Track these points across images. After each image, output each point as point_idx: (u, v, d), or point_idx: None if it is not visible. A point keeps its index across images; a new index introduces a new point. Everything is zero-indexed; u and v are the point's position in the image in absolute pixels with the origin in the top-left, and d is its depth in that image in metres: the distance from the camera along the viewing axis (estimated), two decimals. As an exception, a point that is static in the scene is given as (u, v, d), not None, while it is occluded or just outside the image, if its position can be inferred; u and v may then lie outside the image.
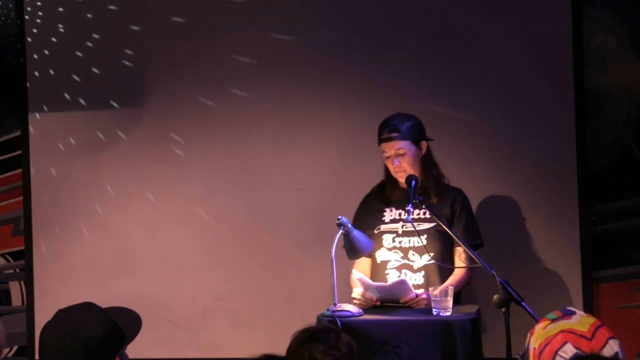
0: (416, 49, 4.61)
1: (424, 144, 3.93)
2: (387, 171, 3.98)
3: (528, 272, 4.47)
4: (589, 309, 4.38)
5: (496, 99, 4.55)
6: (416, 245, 3.85)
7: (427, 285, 3.79)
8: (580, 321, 2.06)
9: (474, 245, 3.86)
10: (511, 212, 4.54)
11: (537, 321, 2.15)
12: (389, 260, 3.89)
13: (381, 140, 3.90)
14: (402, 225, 3.88)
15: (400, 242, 3.88)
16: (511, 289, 3.33)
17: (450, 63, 4.58)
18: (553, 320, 2.08)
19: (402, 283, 3.68)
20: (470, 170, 4.54)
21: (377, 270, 3.91)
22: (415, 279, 3.83)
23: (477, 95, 4.56)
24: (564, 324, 2.05)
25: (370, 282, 3.73)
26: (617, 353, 2.01)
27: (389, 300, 3.72)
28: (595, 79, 4.49)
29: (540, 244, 4.52)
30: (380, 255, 3.91)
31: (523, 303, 3.32)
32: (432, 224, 3.84)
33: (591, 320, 2.07)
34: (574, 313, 2.09)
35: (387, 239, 3.91)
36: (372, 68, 4.64)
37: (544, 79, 4.51)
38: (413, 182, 3.76)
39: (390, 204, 3.96)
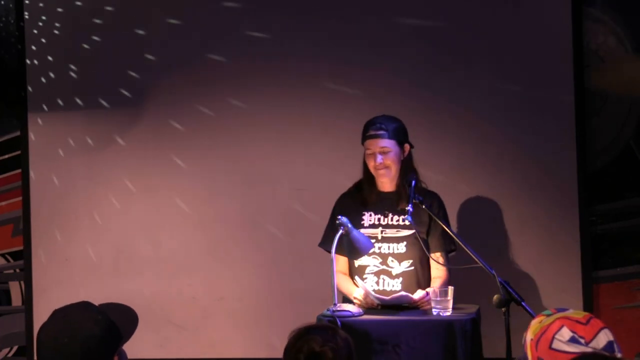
0: (416, 49, 4.61)
1: (406, 146, 3.90)
2: (365, 171, 3.94)
3: (528, 272, 4.47)
4: (589, 309, 4.38)
5: (496, 99, 4.55)
6: (395, 251, 3.84)
7: (405, 291, 3.76)
8: (575, 312, 2.12)
9: (448, 251, 3.87)
10: (511, 212, 4.54)
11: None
12: (368, 265, 3.86)
13: (367, 137, 3.86)
14: (382, 231, 3.87)
15: (379, 248, 3.85)
16: (511, 289, 3.33)
17: (450, 63, 4.58)
18: (548, 316, 2.12)
19: (403, 297, 3.66)
20: (470, 169, 4.54)
21: (355, 274, 3.89)
22: (393, 285, 3.82)
23: (477, 95, 4.56)
24: (559, 314, 2.10)
25: (374, 294, 3.71)
26: (611, 342, 2.04)
27: (389, 306, 3.72)
28: (595, 79, 4.49)
29: (540, 243, 4.52)
30: (359, 259, 3.89)
31: (523, 303, 3.32)
32: (412, 231, 3.83)
33: (584, 312, 2.13)
34: (568, 309, 2.13)
35: None
36: (371, 67, 4.64)
37: (544, 78, 4.51)
38: (413, 182, 3.75)
39: (366, 205, 3.92)
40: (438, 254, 3.86)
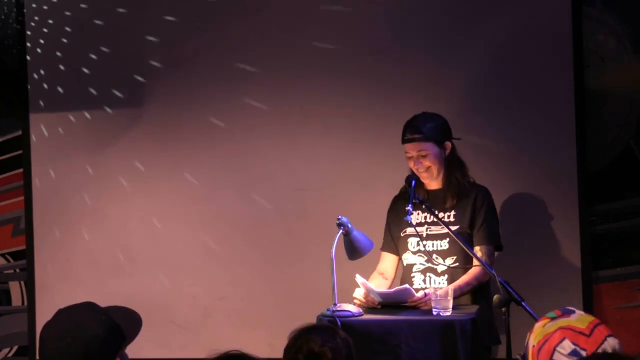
0: (416, 48, 4.61)
1: (447, 144, 3.90)
2: (412, 170, 3.95)
3: (528, 272, 4.46)
4: (589, 309, 4.38)
5: (496, 99, 4.55)
6: (439, 248, 3.85)
7: None
8: (579, 319, 2.08)
9: (492, 245, 3.86)
10: (511, 212, 4.54)
11: (537, 321, 2.16)
12: (414, 264, 3.89)
13: (404, 141, 3.88)
14: (427, 229, 3.87)
15: (424, 246, 3.86)
16: (511, 289, 3.33)
17: (450, 63, 4.58)
18: (552, 319, 2.09)
19: (406, 290, 3.67)
20: (470, 169, 4.52)
21: (404, 273, 3.93)
22: (439, 282, 3.83)
23: (477, 95, 4.56)
24: (562, 321, 2.07)
25: (373, 288, 3.72)
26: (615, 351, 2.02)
27: (391, 303, 3.72)
28: (595, 79, 4.49)
29: (540, 244, 4.52)
30: (406, 258, 3.92)
31: (523, 303, 3.32)
32: (455, 227, 3.82)
33: (590, 318, 2.09)
34: (573, 312, 2.10)
35: (412, 242, 3.91)
36: (372, 67, 4.64)
37: (544, 78, 4.51)
38: (413, 182, 3.76)
39: (415, 207, 3.90)
40: (477, 248, 3.83)
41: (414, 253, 3.89)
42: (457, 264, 3.81)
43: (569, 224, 4.49)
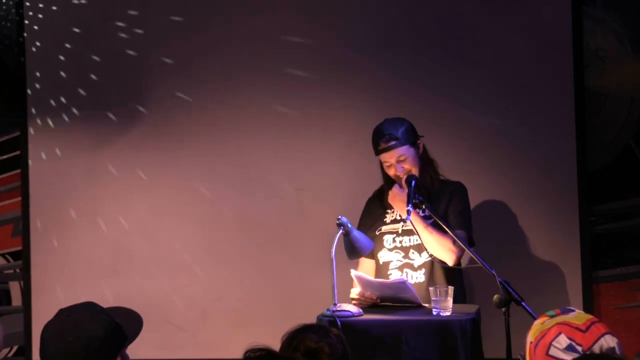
0: (417, 49, 4.61)
1: (420, 143, 3.92)
2: (385, 177, 3.97)
3: (528, 272, 4.46)
4: (589, 309, 4.38)
5: (496, 99, 4.56)
6: (415, 243, 3.86)
7: (428, 282, 3.79)
8: (577, 316, 2.09)
9: (467, 234, 3.86)
10: (511, 212, 4.54)
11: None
12: (391, 261, 3.90)
13: (380, 151, 3.88)
14: (402, 225, 3.89)
15: (400, 242, 3.89)
16: (511, 289, 3.33)
17: (450, 63, 4.58)
18: (551, 317, 2.10)
19: (403, 284, 3.67)
20: (470, 169, 4.54)
21: (380, 271, 3.92)
22: (416, 277, 3.83)
23: (477, 95, 4.56)
24: (560, 318, 2.08)
25: (371, 278, 3.73)
26: (613, 348, 2.02)
27: (389, 299, 3.72)
28: (595, 79, 4.49)
29: (540, 244, 4.52)
30: (382, 256, 3.92)
31: (523, 303, 3.32)
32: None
33: (588, 316, 2.10)
34: (572, 310, 2.12)
35: (387, 240, 3.91)
36: (372, 67, 4.64)
37: (544, 78, 4.51)
38: (413, 182, 3.75)
39: (390, 207, 3.96)
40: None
41: (390, 250, 3.90)
42: (431, 258, 3.81)
43: (569, 224, 4.49)
